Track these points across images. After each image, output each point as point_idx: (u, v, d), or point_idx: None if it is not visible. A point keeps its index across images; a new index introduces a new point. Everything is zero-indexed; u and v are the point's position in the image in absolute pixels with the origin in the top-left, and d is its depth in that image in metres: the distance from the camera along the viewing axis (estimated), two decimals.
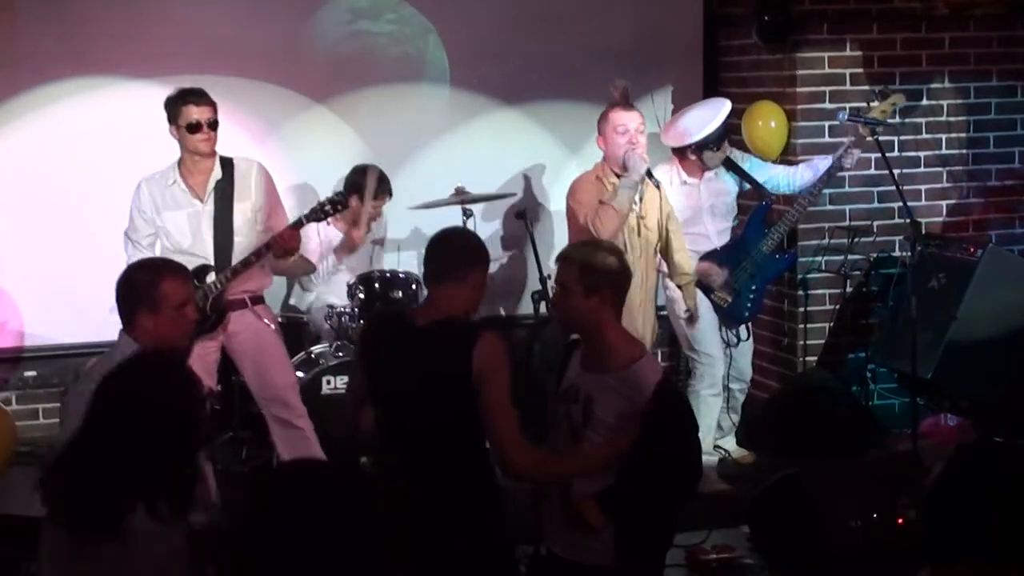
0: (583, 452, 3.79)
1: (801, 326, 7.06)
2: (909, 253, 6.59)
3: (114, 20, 6.79)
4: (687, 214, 6.37)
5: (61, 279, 6.72)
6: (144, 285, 3.89)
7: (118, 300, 3.93)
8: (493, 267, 6.50)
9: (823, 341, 7.18)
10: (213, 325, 5.55)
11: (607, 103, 5.82)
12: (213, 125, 5.60)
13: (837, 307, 7.16)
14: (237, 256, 5.56)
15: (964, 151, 7.34)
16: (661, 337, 6.78)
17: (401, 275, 6.51)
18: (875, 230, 7.15)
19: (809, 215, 6.72)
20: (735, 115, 6.90)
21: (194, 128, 5.54)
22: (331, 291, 6.64)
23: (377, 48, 7.19)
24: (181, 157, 5.67)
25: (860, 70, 7.13)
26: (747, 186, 6.60)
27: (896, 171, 6.59)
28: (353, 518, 2.27)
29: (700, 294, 6.21)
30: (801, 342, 7.08)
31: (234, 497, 3.50)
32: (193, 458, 3.06)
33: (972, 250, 6.64)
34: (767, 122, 7.06)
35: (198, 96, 5.59)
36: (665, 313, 6.40)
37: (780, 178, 6.61)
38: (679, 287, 6.12)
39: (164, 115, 6.78)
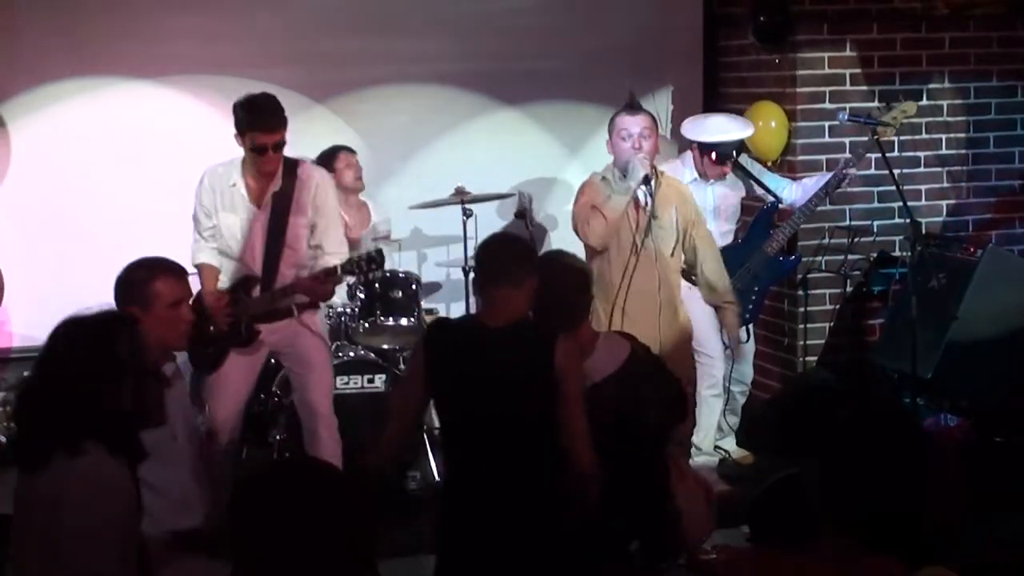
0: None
1: (801, 326, 7.06)
2: (909, 253, 6.59)
3: (114, 20, 6.78)
4: None
5: (60, 279, 6.72)
6: (138, 283, 3.89)
7: (115, 297, 3.93)
8: None
9: (823, 341, 7.18)
10: (246, 342, 5.45)
11: (617, 107, 5.73)
12: (279, 147, 5.35)
13: (837, 307, 7.17)
14: (285, 269, 5.44)
15: (964, 151, 7.34)
16: None
17: (401, 275, 6.50)
18: (875, 230, 7.15)
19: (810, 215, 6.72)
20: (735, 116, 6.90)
21: (260, 151, 5.32)
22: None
23: (378, 48, 7.19)
24: (245, 158, 5.43)
25: (860, 70, 7.13)
26: (757, 190, 6.60)
27: (896, 171, 6.58)
28: (326, 518, 2.30)
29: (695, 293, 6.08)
30: (801, 342, 7.08)
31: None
32: (124, 409, 3.11)
33: (972, 250, 6.64)
34: (767, 122, 7.06)
35: (270, 124, 5.30)
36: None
37: (784, 189, 6.64)
38: (713, 307, 5.91)
39: (164, 115, 6.86)
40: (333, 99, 7.18)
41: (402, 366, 6.53)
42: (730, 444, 6.63)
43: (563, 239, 7.28)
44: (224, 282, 5.49)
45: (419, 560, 4.83)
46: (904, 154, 7.15)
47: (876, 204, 7.17)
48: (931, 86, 7.26)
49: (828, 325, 7.19)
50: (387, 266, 6.80)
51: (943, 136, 7.31)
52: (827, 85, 7.10)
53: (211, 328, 5.37)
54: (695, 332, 6.22)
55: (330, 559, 2.29)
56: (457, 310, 7.25)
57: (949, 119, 7.32)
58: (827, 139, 7.11)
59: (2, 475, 6.03)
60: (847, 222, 7.12)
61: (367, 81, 7.21)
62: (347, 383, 6.22)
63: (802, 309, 7.06)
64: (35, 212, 6.80)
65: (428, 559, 4.03)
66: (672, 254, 5.54)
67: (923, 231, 6.79)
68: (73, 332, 3.17)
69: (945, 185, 7.35)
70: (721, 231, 6.47)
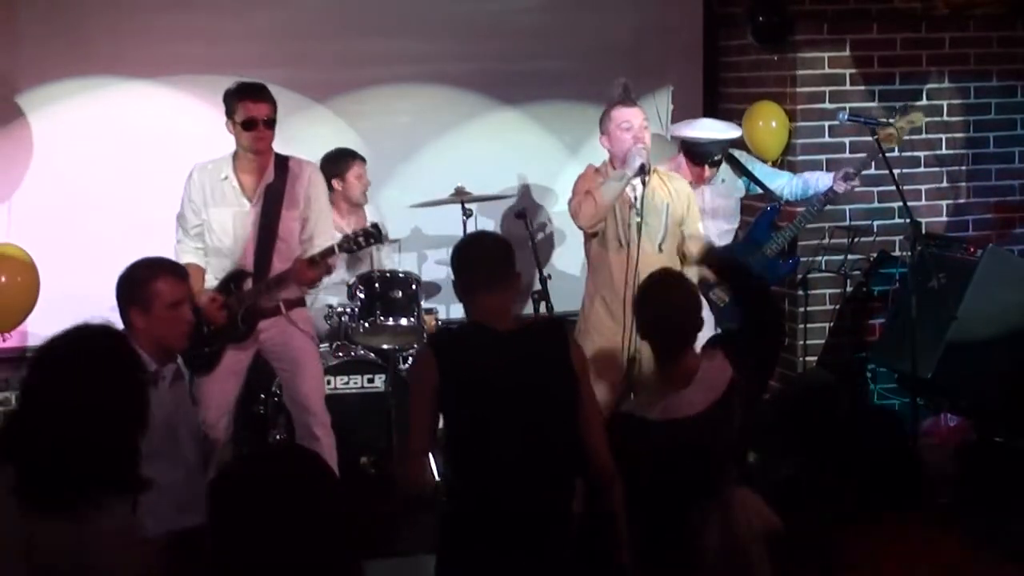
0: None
1: (801, 326, 7.06)
2: (909, 253, 6.59)
3: (114, 20, 6.78)
4: None
5: (61, 278, 6.71)
6: (138, 283, 3.89)
7: (116, 297, 3.93)
8: None
9: (823, 341, 7.18)
10: (244, 335, 5.47)
11: (608, 102, 5.73)
12: (270, 123, 5.44)
13: (837, 307, 7.17)
14: (278, 263, 5.44)
15: (964, 151, 7.34)
16: None
17: (401, 275, 6.49)
18: (875, 230, 7.15)
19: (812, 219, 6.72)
20: (735, 116, 6.91)
21: (249, 125, 5.38)
22: (331, 291, 6.64)
23: (378, 48, 7.19)
24: (236, 152, 5.50)
25: (860, 70, 7.13)
26: (756, 189, 6.61)
27: (896, 171, 6.58)
28: (307, 506, 2.30)
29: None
30: (801, 342, 7.08)
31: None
32: (129, 438, 2.91)
33: (972, 250, 6.64)
34: (767, 122, 7.07)
35: (256, 92, 5.42)
36: None
37: (785, 185, 6.64)
38: (706, 287, 5.80)
39: (165, 115, 6.85)
40: (333, 99, 7.18)
41: (402, 366, 6.54)
42: None
43: (563, 239, 7.31)
44: (211, 280, 5.48)
45: (419, 560, 4.82)
46: (904, 154, 7.15)
47: (876, 204, 7.17)
48: (931, 86, 7.26)
49: (828, 325, 7.19)
50: (387, 266, 6.84)
51: (943, 136, 7.31)
52: (827, 85, 7.10)
53: (205, 329, 5.37)
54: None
55: (310, 549, 2.28)
56: (457, 310, 7.24)
57: (949, 119, 7.32)
58: (827, 139, 7.11)
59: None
60: (847, 222, 7.12)
61: (367, 81, 7.21)
62: (347, 383, 6.23)
63: (802, 309, 7.06)
64: (34, 211, 6.79)
65: (428, 559, 4.02)
66: (661, 250, 5.49)
67: (923, 231, 6.79)
68: (65, 369, 2.92)
69: (945, 185, 7.35)
70: (720, 230, 6.48)
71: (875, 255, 7.15)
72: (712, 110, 7.41)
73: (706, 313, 6.20)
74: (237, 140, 5.45)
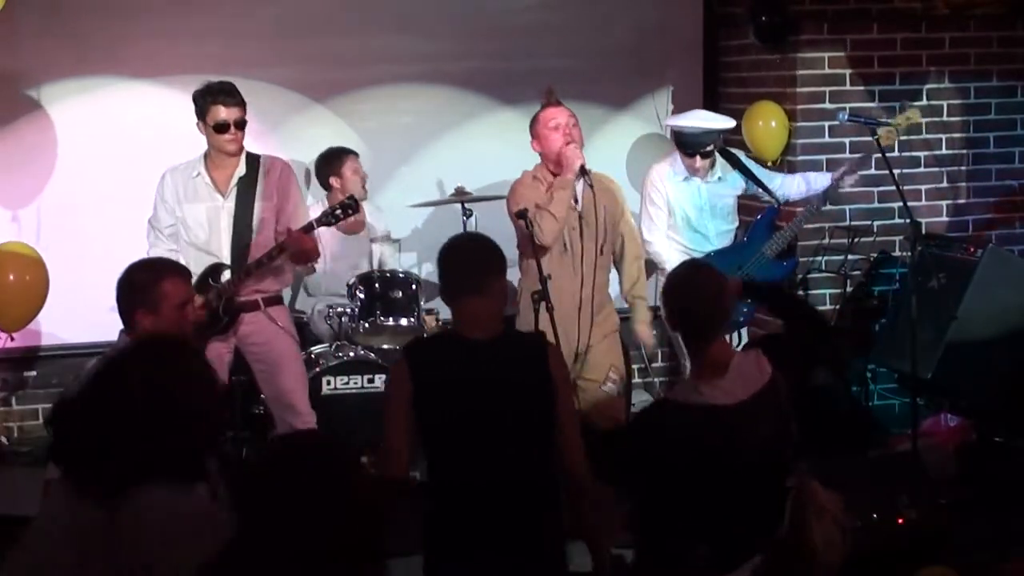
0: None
1: None
2: (909, 253, 6.59)
3: (114, 20, 6.78)
4: (687, 212, 6.40)
5: (61, 279, 6.71)
6: (144, 284, 3.89)
7: (118, 300, 3.93)
8: None
9: None
10: (226, 327, 5.50)
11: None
12: (241, 125, 5.51)
13: (837, 307, 7.16)
14: (255, 254, 5.49)
15: (964, 151, 7.34)
16: (661, 338, 6.78)
17: (401, 275, 6.50)
18: (875, 230, 7.15)
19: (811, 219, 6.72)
20: (735, 116, 6.90)
21: (221, 128, 5.47)
22: (331, 291, 6.64)
23: (378, 48, 7.18)
24: (208, 151, 5.60)
25: (860, 70, 7.13)
26: (752, 188, 6.60)
27: (896, 171, 6.58)
28: (334, 494, 2.30)
29: None
30: None
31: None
32: (197, 444, 2.87)
33: (972, 250, 6.64)
34: (767, 122, 7.07)
35: (227, 95, 5.49)
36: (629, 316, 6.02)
37: (784, 183, 6.64)
38: (628, 302, 5.84)
39: (165, 115, 6.84)
40: (333, 99, 7.17)
41: None
42: None
43: None
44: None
45: (419, 560, 4.81)
46: (904, 154, 7.16)
47: (876, 204, 7.18)
48: (931, 86, 7.27)
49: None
50: (389, 266, 6.84)
51: (943, 136, 7.32)
52: (827, 85, 7.10)
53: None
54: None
55: (335, 538, 2.29)
56: None
57: (949, 119, 7.32)
58: (827, 139, 7.11)
59: (2, 475, 6.08)
60: (847, 222, 7.12)
61: (367, 81, 7.21)
62: (347, 383, 6.22)
63: None
64: (34, 212, 6.79)
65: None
66: (602, 252, 5.53)
67: (923, 231, 6.79)
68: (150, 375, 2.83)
69: (945, 185, 7.35)
70: (718, 230, 6.48)
71: (875, 255, 7.15)
72: (712, 110, 7.39)
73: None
74: (208, 141, 5.55)
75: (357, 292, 6.36)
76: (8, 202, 6.78)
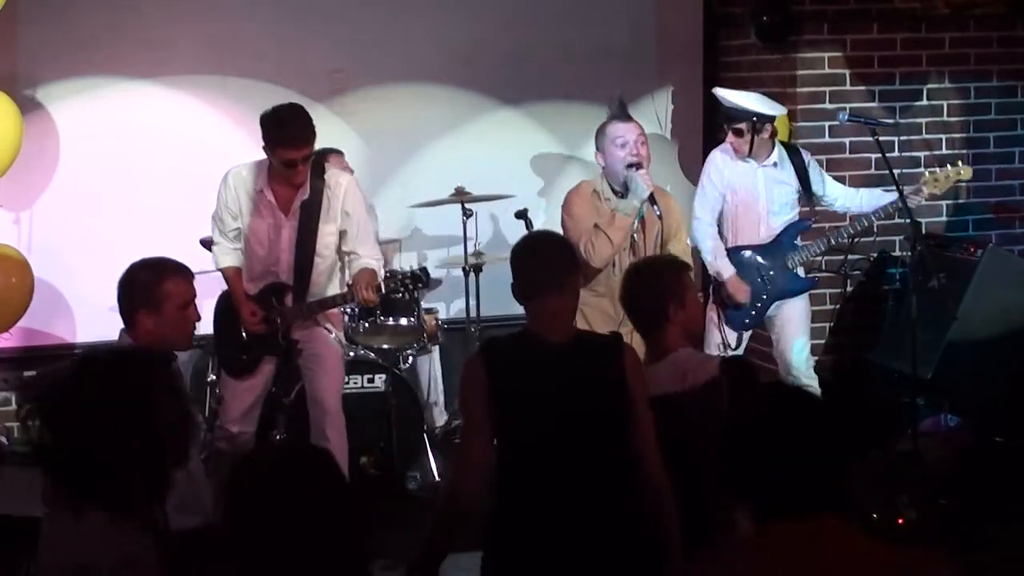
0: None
1: None
2: (909, 253, 6.59)
3: (115, 20, 6.78)
4: (742, 195, 6.20)
5: (61, 279, 6.72)
6: (146, 284, 3.87)
7: (119, 299, 3.91)
8: (494, 267, 6.52)
9: (823, 341, 7.18)
10: (284, 351, 5.51)
11: (607, 115, 5.55)
12: (308, 159, 5.30)
13: (837, 307, 7.16)
14: (317, 277, 5.46)
15: (964, 151, 7.33)
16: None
17: (401, 275, 6.48)
18: (875, 230, 7.14)
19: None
20: None
21: (289, 165, 5.26)
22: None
23: (377, 48, 7.18)
24: (271, 164, 5.36)
25: (860, 70, 7.13)
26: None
27: (896, 171, 6.58)
28: (319, 503, 2.31)
29: None
30: None
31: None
32: (158, 462, 2.81)
33: (972, 250, 6.64)
34: None
35: (298, 140, 5.22)
36: None
37: (840, 196, 6.48)
38: None
39: (166, 116, 6.85)
40: (333, 99, 7.17)
41: (403, 366, 6.54)
42: None
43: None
44: (246, 282, 5.51)
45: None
46: (904, 154, 7.16)
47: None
48: (931, 86, 7.27)
49: (828, 325, 7.18)
50: (388, 266, 6.84)
51: (943, 136, 7.32)
52: (827, 85, 7.11)
53: (243, 335, 5.43)
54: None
55: (322, 546, 2.29)
56: (457, 310, 7.25)
57: (949, 119, 7.32)
58: (827, 139, 7.11)
59: (2, 475, 6.07)
60: (847, 222, 7.09)
61: (367, 81, 7.21)
62: (347, 383, 6.21)
63: None
64: (34, 212, 6.79)
65: None
66: None
67: (923, 231, 6.79)
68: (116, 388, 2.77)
69: None
70: (769, 225, 6.26)
71: (875, 255, 7.14)
72: (712, 110, 7.40)
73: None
74: (272, 163, 5.34)
75: None
76: (8, 202, 6.77)
